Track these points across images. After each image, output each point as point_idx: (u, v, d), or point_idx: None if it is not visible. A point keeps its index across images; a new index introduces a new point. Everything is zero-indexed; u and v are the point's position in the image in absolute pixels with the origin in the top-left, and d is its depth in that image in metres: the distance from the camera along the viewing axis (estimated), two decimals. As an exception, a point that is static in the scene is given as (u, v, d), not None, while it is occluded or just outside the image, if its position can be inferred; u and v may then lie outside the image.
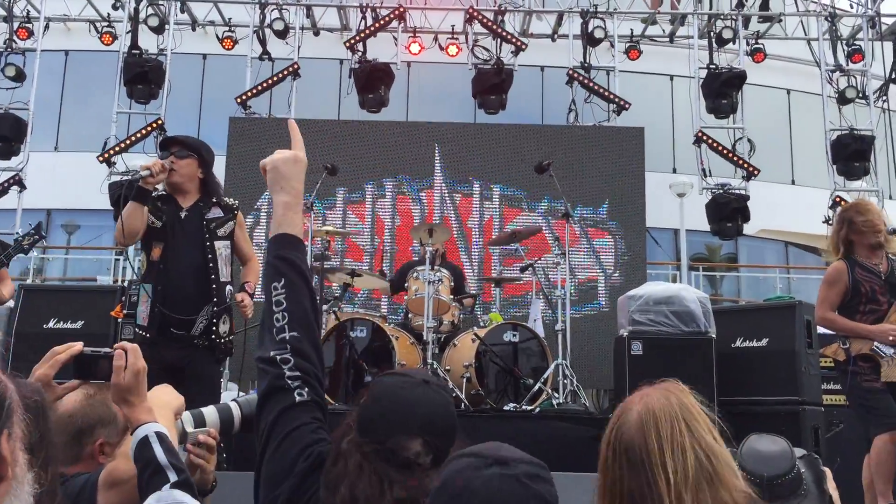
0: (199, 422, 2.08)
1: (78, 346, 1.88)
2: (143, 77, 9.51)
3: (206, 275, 4.21)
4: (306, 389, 1.81)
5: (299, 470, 1.73)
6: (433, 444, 1.56)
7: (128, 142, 9.48)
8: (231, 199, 4.56)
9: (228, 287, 4.30)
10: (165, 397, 2.02)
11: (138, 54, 9.57)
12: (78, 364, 1.88)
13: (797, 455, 2.01)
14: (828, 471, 2.02)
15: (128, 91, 9.62)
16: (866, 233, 4.78)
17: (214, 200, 4.40)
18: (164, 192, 4.34)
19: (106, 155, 9.36)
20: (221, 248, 4.30)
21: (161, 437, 1.83)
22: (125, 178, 9.26)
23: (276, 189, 2.02)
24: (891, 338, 4.59)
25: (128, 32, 9.70)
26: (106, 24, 10.17)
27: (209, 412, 2.10)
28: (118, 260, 13.54)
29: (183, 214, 4.28)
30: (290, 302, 1.87)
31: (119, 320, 6.15)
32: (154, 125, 9.51)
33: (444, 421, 1.61)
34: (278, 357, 1.82)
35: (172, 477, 1.78)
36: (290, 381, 1.81)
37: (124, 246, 4.17)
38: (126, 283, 7.41)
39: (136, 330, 4.09)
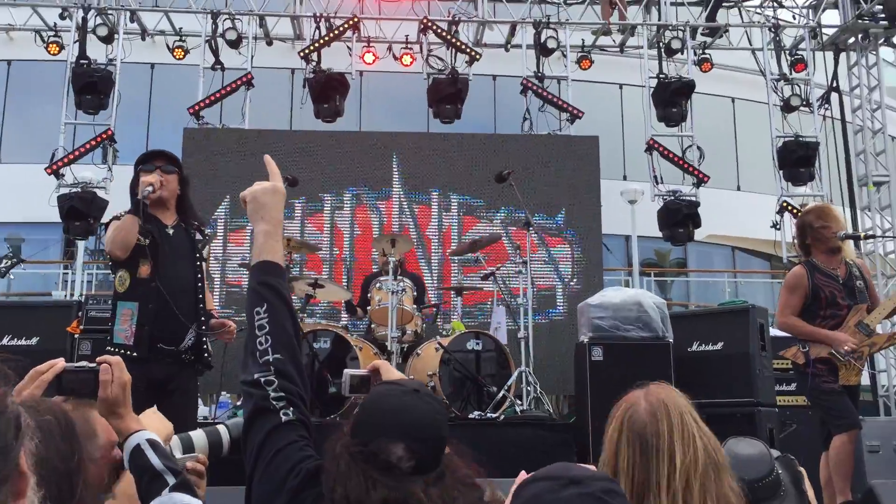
0: (188, 447, 2.07)
1: (61, 364, 1.87)
2: (91, 87, 9.33)
3: (196, 293, 4.18)
4: (291, 409, 1.84)
5: (290, 487, 1.76)
6: (416, 450, 1.59)
7: (77, 153, 9.28)
8: (205, 228, 4.53)
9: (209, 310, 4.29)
10: (154, 424, 2.01)
11: (87, 64, 9.39)
12: (61, 381, 1.86)
13: (774, 456, 2.07)
14: (803, 471, 2.09)
15: (76, 101, 9.42)
16: (824, 237, 4.91)
17: (196, 224, 4.36)
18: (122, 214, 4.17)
19: (54, 167, 9.15)
20: (203, 269, 4.30)
21: (153, 443, 1.85)
22: (75, 190, 9.09)
23: (257, 218, 2.08)
24: (846, 348, 4.73)
25: (76, 42, 9.51)
26: (53, 33, 9.95)
27: (197, 437, 2.09)
28: (66, 273, 13.23)
29: (170, 231, 4.21)
30: (273, 325, 1.91)
31: (75, 336, 6.03)
32: (104, 136, 9.34)
33: (429, 429, 1.64)
34: (262, 379, 1.86)
35: (171, 480, 1.80)
36: (275, 402, 1.84)
37: (118, 259, 4.02)
38: (83, 298, 7.26)
39: (115, 350, 3.94)
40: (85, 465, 1.49)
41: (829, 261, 4.94)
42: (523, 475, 1.56)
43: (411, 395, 1.70)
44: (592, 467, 1.55)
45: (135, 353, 3.93)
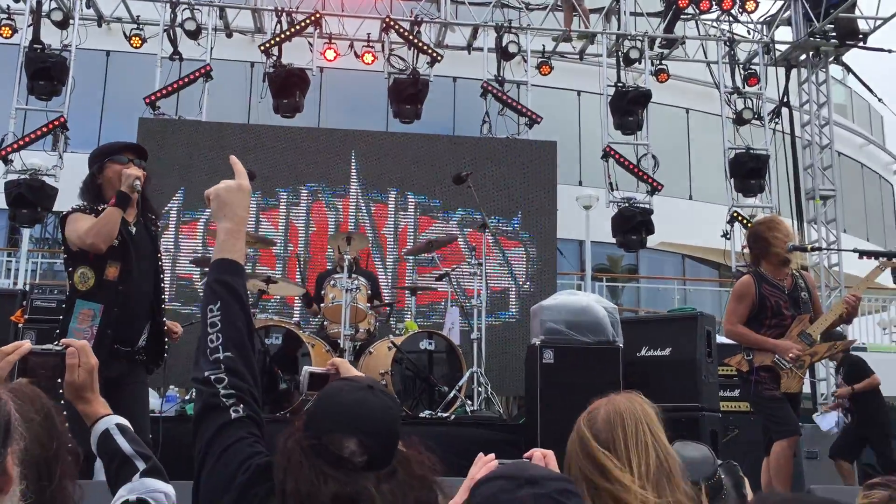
0: None
1: (27, 346, 1.86)
2: (45, 73, 9.13)
3: (157, 294, 4.10)
4: (242, 406, 1.84)
5: (239, 483, 1.75)
6: (369, 445, 1.59)
7: (27, 139, 9.07)
8: (160, 223, 4.46)
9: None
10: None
11: (40, 49, 9.19)
12: (27, 363, 1.84)
13: (717, 462, 2.14)
14: (745, 477, 2.16)
15: (28, 87, 9.21)
16: (774, 248, 5.04)
17: (153, 216, 4.26)
18: (102, 207, 3.99)
19: (3, 152, 8.93)
20: (162, 263, 4.23)
21: (122, 428, 1.84)
22: (23, 177, 8.89)
23: (220, 216, 2.05)
24: (790, 355, 4.87)
25: (29, 26, 9.29)
26: (5, 15, 9.71)
27: None
28: (10, 261, 12.93)
29: (133, 230, 4.05)
30: (225, 324, 1.90)
31: (20, 325, 5.90)
32: (55, 123, 9.15)
33: (382, 424, 1.64)
34: (212, 377, 1.85)
35: (140, 465, 1.79)
36: (224, 399, 1.83)
37: (98, 252, 3.85)
38: (27, 287, 7.11)
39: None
40: (63, 452, 1.48)
41: (777, 271, 5.08)
42: (481, 457, 1.59)
43: (365, 390, 1.70)
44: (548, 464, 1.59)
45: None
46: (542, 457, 1.64)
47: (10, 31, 9.64)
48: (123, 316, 3.92)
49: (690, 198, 17.15)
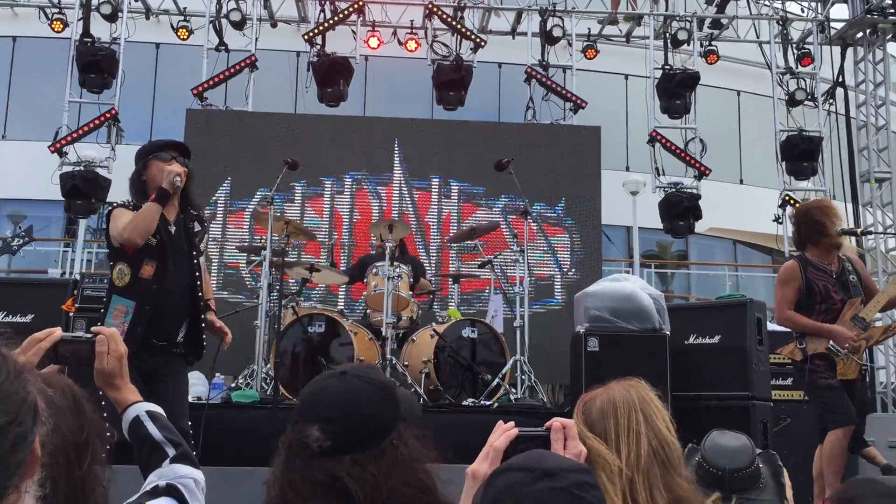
0: None
1: (58, 333, 1.88)
2: (95, 66, 9.31)
3: (193, 293, 4.12)
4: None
5: None
6: (330, 431, 1.58)
7: (80, 132, 9.28)
8: (204, 212, 4.48)
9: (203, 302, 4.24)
10: None
11: (91, 42, 9.37)
12: (57, 350, 1.86)
13: (756, 451, 2.09)
14: (783, 467, 2.11)
15: (80, 80, 9.41)
16: (824, 232, 4.89)
17: (195, 213, 4.25)
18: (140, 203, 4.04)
19: (58, 145, 9.15)
20: (201, 262, 4.26)
21: (152, 414, 1.87)
22: (77, 168, 9.09)
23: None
24: (847, 345, 4.73)
25: (79, 20, 9.48)
26: (56, 10, 9.93)
27: None
28: (66, 252, 13.26)
29: (172, 230, 4.08)
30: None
31: (70, 314, 6.04)
32: (107, 115, 9.33)
33: (344, 407, 1.62)
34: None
35: (171, 452, 1.83)
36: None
37: (135, 247, 3.90)
38: (78, 276, 7.27)
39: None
40: (94, 438, 1.51)
41: (824, 256, 4.93)
42: (501, 424, 1.56)
43: (336, 377, 1.68)
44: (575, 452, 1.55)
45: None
46: (561, 427, 1.60)
47: (61, 26, 9.86)
48: (156, 314, 3.95)
49: (741, 182, 16.78)
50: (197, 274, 4.17)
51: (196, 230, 4.26)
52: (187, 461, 1.86)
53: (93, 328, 1.95)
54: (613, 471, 1.65)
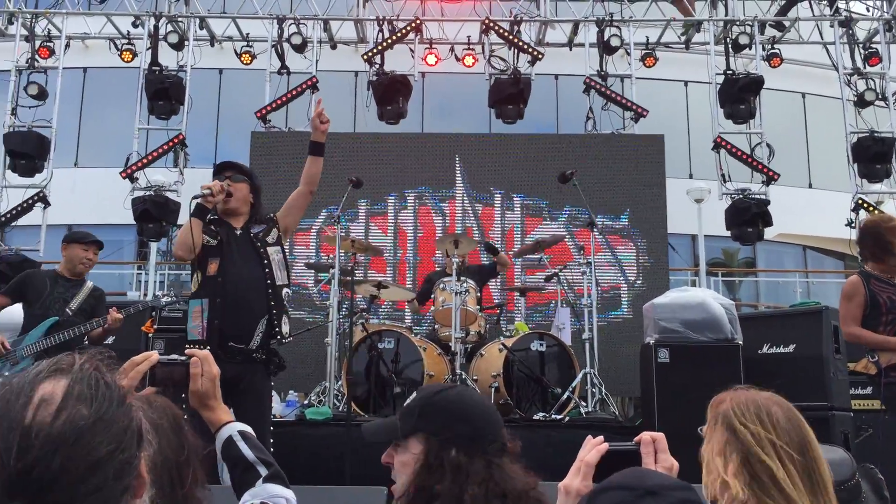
0: None
1: (155, 356, 1.95)
2: (163, 93, 9.59)
3: (263, 284, 4.27)
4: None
5: None
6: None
7: (149, 157, 9.56)
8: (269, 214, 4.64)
9: (285, 290, 4.38)
10: None
11: (158, 71, 9.66)
12: (154, 373, 1.94)
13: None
14: (883, 479, 2.04)
15: (149, 107, 9.70)
16: (893, 252, 4.76)
17: (259, 220, 4.50)
18: (215, 217, 4.42)
19: (128, 171, 9.44)
20: (273, 253, 4.39)
21: (244, 435, 1.92)
22: (148, 193, 9.37)
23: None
24: None
25: (148, 49, 9.79)
26: (125, 41, 10.27)
27: None
28: (139, 274, 13.65)
29: (238, 233, 4.37)
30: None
31: (149, 335, 6.21)
32: (175, 140, 9.60)
33: (485, 411, 1.86)
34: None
35: (263, 472, 1.87)
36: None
37: (185, 261, 4.21)
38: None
39: (189, 346, 4.07)
40: (193, 458, 1.56)
41: (886, 270, 4.82)
42: (590, 439, 1.56)
43: (453, 388, 1.90)
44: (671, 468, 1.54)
45: (207, 348, 4.02)
46: (651, 440, 1.58)
47: (130, 56, 10.19)
48: (228, 305, 4.14)
49: (810, 186, 16.39)
50: (267, 271, 4.31)
51: (261, 229, 4.43)
52: (279, 481, 1.90)
53: (187, 350, 2.01)
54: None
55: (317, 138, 4.54)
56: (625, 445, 1.60)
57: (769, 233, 9.75)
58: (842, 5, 10.38)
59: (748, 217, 9.20)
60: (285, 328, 4.32)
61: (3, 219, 9.33)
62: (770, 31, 10.36)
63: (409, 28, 9.88)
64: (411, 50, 10.08)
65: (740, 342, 5.87)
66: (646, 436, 1.60)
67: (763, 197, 9.30)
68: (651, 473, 1.38)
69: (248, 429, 1.97)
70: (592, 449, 1.56)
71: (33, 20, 10.08)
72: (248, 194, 4.44)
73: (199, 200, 4.17)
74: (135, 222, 9.45)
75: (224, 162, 4.56)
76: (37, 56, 9.92)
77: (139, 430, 1.06)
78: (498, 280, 8.66)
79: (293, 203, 4.61)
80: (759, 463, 1.69)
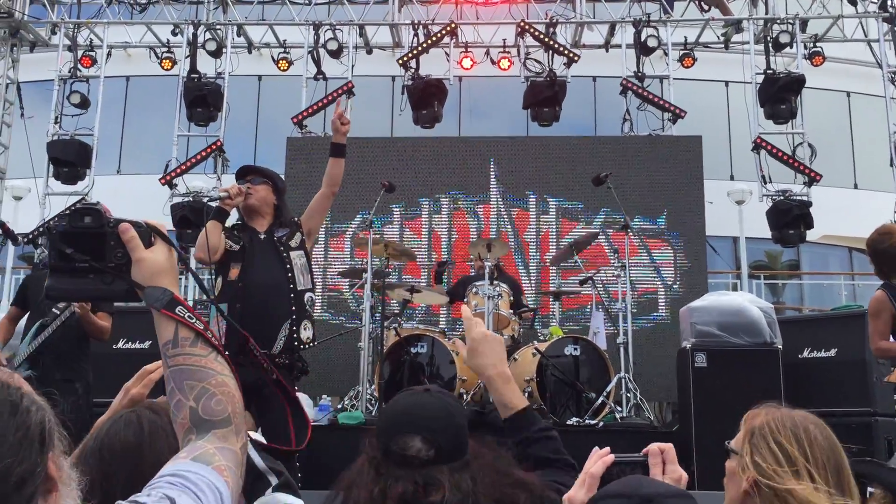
0: None
1: None
2: (202, 100, 9.74)
3: (285, 288, 4.28)
4: None
5: None
6: (432, 440, 1.67)
7: (188, 164, 9.70)
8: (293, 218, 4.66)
9: (308, 294, 4.37)
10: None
11: (197, 78, 9.80)
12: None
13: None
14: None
15: (188, 114, 9.85)
16: None
17: (281, 223, 4.49)
18: (239, 222, 4.45)
19: (168, 177, 9.58)
20: (296, 257, 4.39)
21: (256, 443, 1.91)
22: (187, 199, 9.50)
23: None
24: None
25: (187, 57, 9.95)
26: (165, 49, 10.44)
27: None
28: (180, 279, 13.84)
29: (262, 236, 4.38)
30: None
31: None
32: (213, 147, 9.73)
33: (441, 420, 1.72)
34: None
35: (273, 480, 1.87)
36: None
37: (206, 263, 4.24)
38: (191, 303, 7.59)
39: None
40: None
41: None
42: (597, 451, 1.54)
43: (422, 394, 1.82)
44: (672, 476, 1.51)
45: (226, 353, 4.00)
46: (659, 451, 1.56)
47: (170, 64, 10.37)
48: (249, 309, 4.13)
49: (855, 186, 16.02)
50: (290, 275, 4.31)
51: (284, 233, 4.43)
52: (289, 490, 1.89)
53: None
54: None
55: (338, 140, 4.56)
56: (631, 457, 1.58)
57: (813, 234, 9.57)
58: (888, 1, 10.13)
59: (790, 219, 9.04)
60: (306, 333, 4.29)
61: (46, 226, 9.52)
62: (812, 29, 10.15)
63: (444, 32, 9.89)
64: (446, 53, 10.09)
65: (780, 346, 5.75)
66: (654, 447, 1.59)
67: (805, 198, 9.12)
68: (648, 481, 1.36)
69: (260, 437, 1.97)
70: (598, 460, 1.53)
71: (75, 30, 10.30)
72: (269, 195, 4.44)
73: (217, 203, 4.20)
74: (174, 228, 9.58)
75: (245, 166, 4.59)
76: (79, 65, 10.15)
77: (41, 433, 1.03)
78: (532, 283, 8.61)
79: (315, 205, 4.63)
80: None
